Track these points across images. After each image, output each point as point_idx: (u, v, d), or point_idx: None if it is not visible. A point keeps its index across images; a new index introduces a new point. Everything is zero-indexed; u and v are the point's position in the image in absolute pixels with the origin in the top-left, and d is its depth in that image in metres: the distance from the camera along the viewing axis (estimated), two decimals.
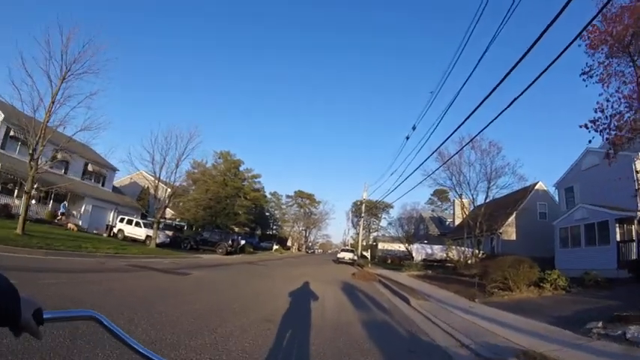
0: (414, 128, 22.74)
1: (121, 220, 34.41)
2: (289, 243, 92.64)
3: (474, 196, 31.90)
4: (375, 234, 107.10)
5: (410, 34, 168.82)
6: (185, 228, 44.62)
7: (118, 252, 19.76)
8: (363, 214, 52.89)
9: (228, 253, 34.51)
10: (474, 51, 14.25)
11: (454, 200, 54.61)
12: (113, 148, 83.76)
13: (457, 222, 52.58)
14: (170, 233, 36.90)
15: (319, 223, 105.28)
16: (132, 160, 27.84)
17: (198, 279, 13.75)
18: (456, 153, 28.65)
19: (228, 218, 44.73)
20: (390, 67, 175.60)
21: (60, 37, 18.63)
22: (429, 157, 26.11)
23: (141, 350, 1.13)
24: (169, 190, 31.22)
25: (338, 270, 29.93)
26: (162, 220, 38.68)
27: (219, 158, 48.33)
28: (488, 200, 31.51)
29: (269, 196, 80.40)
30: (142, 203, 49.13)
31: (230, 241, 35.25)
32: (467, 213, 52.04)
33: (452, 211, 74.77)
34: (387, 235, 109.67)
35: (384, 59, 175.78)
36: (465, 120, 11.87)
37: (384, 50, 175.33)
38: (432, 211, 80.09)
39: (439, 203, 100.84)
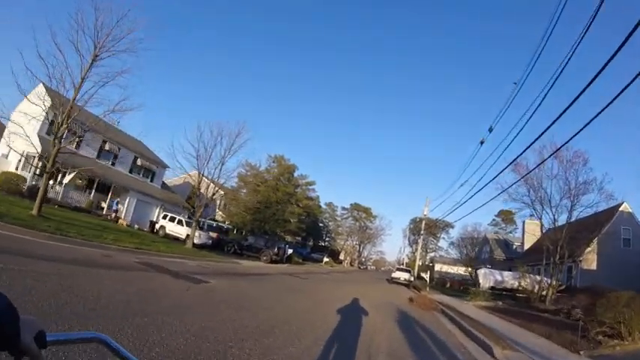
0: (490, 130, 18.98)
1: (164, 217, 33.05)
2: (342, 256, 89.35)
3: (556, 216, 26.98)
4: (432, 254, 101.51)
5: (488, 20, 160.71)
6: (234, 231, 42.73)
7: (141, 247, 17.59)
8: (422, 232, 48.36)
9: (272, 262, 31.92)
10: (563, 41, 11.13)
11: (524, 222, 48.90)
12: (146, 130, 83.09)
13: (527, 246, 46.96)
14: (215, 235, 35.07)
15: (374, 239, 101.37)
16: (175, 154, 25.52)
17: (210, 290, 10.78)
18: (539, 165, 24.24)
19: (278, 225, 42.04)
20: (463, 71, 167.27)
21: (93, 12, 17.20)
22: (505, 169, 22.03)
23: None
24: (213, 187, 29.16)
25: (391, 292, 26.34)
26: (204, 220, 37.06)
27: (273, 162, 46.08)
28: (570, 221, 26.62)
29: (324, 206, 77.71)
30: (191, 202, 48.08)
31: (276, 249, 32.58)
32: (540, 235, 46.53)
33: (518, 234, 68.21)
34: (445, 256, 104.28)
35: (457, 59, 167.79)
36: (550, 126, 9.87)
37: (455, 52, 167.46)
38: (496, 232, 73.75)
39: (503, 225, 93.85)
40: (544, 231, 27.75)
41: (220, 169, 26.97)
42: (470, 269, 55.38)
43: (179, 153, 26.33)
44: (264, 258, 31.76)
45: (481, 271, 30.14)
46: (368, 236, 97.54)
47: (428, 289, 30.33)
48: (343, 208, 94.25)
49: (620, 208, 29.67)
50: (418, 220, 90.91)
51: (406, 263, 64.79)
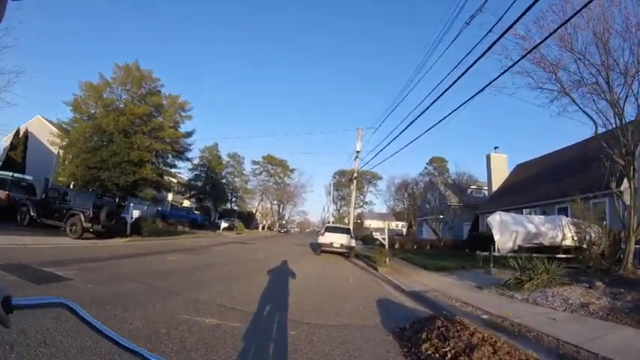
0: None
1: None
2: (258, 220, 74.40)
3: (620, 100, 13.13)
4: (358, 210, 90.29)
5: None
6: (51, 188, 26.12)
7: None
8: (355, 175, 34.32)
9: (95, 234, 16.61)
10: None
11: (488, 156, 37.04)
12: None
13: (496, 186, 35.17)
14: (3, 195, 19.74)
15: (294, 198, 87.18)
16: None
17: None
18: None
19: (122, 172, 25.02)
20: None
21: None
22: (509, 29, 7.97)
23: (117, 339, 1.00)
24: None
25: (327, 293, 9.97)
26: None
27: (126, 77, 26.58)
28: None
29: (226, 158, 61.20)
30: (15, 154, 31.24)
31: (90, 211, 16.54)
32: (512, 171, 34.92)
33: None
34: (373, 211, 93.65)
35: None
36: None
37: None
38: (433, 176, 62.64)
39: (436, 174, 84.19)
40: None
41: None
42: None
43: None
44: (72, 228, 16.20)
45: (496, 218, 15.41)
46: (287, 195, 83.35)
47: (388, 260, 16.51)
48: (254, 162, 78.47)
49: None
50: (342, 172, 78.85)
51: (332, 222, 51.04)
